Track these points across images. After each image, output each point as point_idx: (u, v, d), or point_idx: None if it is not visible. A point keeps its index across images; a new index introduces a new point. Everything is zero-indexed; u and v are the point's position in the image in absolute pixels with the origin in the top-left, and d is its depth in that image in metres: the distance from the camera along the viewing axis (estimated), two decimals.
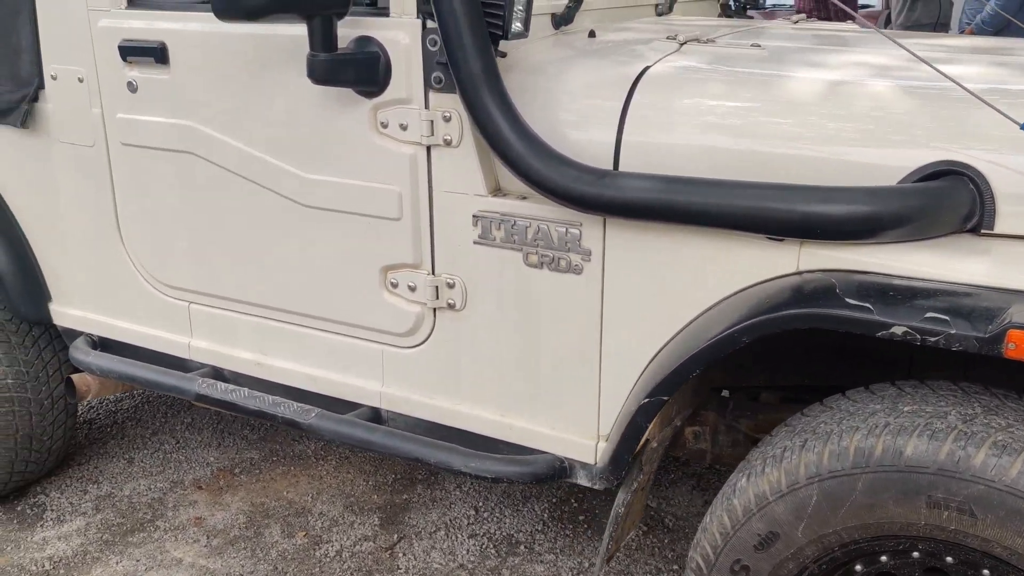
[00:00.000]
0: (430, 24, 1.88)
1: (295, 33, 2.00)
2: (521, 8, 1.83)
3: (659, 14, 2.77)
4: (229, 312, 2.37)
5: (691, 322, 1.76)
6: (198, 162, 2.25)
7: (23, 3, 2.37)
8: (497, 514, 2.92)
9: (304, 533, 2.84)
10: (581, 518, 2.91)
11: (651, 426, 1.78)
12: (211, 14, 2.11)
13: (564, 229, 1.86)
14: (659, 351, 1.82)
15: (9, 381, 2.73)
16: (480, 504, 2.97)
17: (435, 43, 1.87)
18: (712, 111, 1.76)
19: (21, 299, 2.66)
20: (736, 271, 1.70)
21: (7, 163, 2.60)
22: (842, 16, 6.03)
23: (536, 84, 1.90)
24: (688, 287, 1.76)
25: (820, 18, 6.06)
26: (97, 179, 2.45)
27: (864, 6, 10.05)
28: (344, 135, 2.03)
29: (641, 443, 1.80)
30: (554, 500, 2.98)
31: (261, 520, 2.91)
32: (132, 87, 2.28)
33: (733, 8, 3.28)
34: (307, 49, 1.90)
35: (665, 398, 1.70)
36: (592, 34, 2.19)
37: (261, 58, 2.08)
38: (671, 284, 1.78)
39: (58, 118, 2.44)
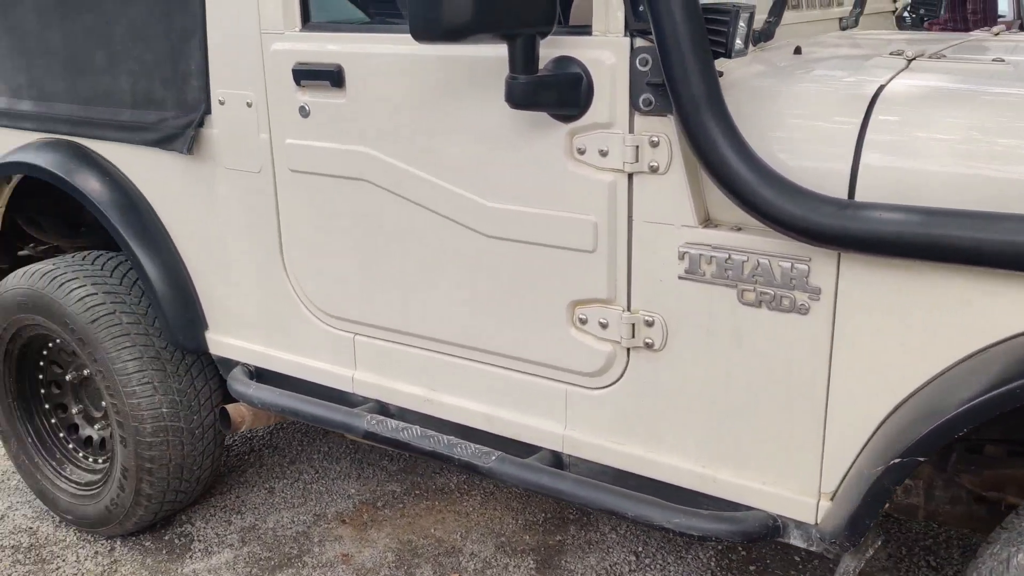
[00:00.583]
0: (639, 43, 1.74)
1: (486, 54, 1.89)
2: (744, 24, 1.67)
3: (843, 28, 2.58)
4: (397, 345, 2.26)
5: (946, 371, 1.56)
6: (371, 189, 2.16)
7: (194, 28, 2.32)
8: (660, 561, 2.74)
9: (457, 575, 2.71)
10: (752, 568, 2.71)
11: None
12: (392, 35, 2.04)
13: (789, 264, 1.69)
14: (901, 403, 1.63)
15: (164, 410, 2.68)
16: (640, 549, 2.80)
17: (646, 63, 1.73)
18: (969, 135, 1.57)
19: (178, 327, 2.61)
20: (1006, 314, 1.50)
21: (168, 189, 2.56)
22: (979, 25, 5.73)
23: (748, 105, 1.74)
24: (942, 332, 1.57)
25: (957, 28, 5.77)
26: (262, 205, 2.38)
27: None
28: (534, 162, 1.90)
29: (886, 507, 1.61)
30: (720, 547, 2.79)
31: (411, 559, 2.79)
32: (304, 112, 2.20)
33: (908, 21, 3.07)
34: (499, 71, 1.78)
35: (921, 459, 1.51)
36: (798, 50, 2.02)
37: (445, 81, 1.97)
38: (920, 328, 1.59)
39: (224, 144, 2.39)
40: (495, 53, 1.87)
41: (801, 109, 1.73)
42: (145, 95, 2.48)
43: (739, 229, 1.75)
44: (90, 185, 2.62)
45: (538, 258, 1.96)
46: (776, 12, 2.07)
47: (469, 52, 1.92)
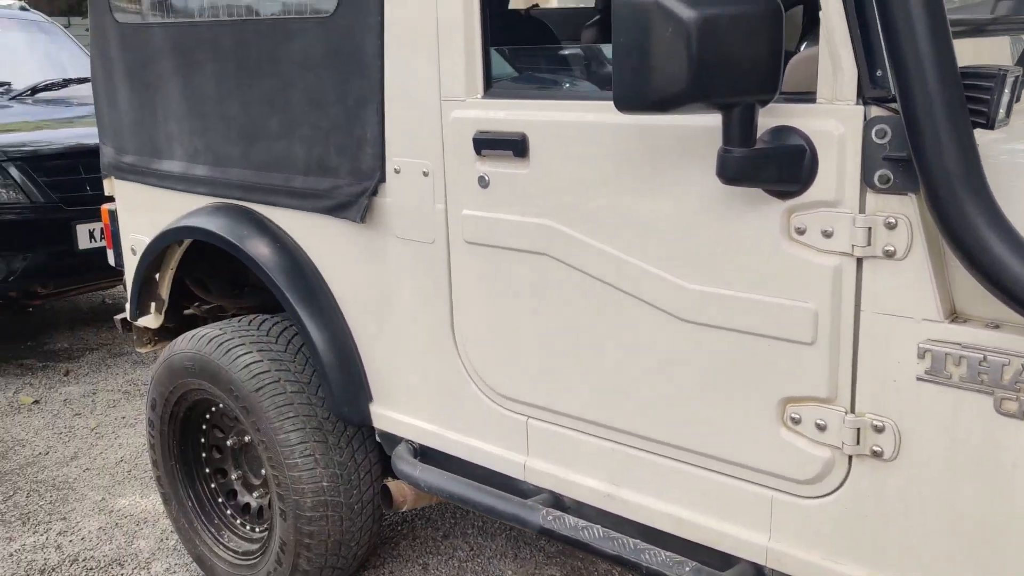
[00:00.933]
0: (875, 111, 1.53)
1: (690, 123, 1.72)
2: (1008, 91, 1.44)
3: None
4: (576, 433, 2.09)
5: None
6: (554, 265, 2.01)
7: (371, 95, 2.25)
8: None
9: None
10: None
11: None
12: (582, 102, 1.90)
13: None
14: None
15: (324, 484, 2.59)
16: None
17: (884, 134, 1.51)
18: None
19: (343, 398, 2.52)
20: None
21: (338, 256, 2.49)
22: None
23: (1005, 182, 1.50)
24: None
25: None
26: (434, 277, 2.27)
27: None
28: (745, 241, 1.71)
29: None
30: None
31: None
32: (483, 182, 2.08)
33: None
34: (705, 140, 1.60)
35: None
36: None
37: (642, 151, 1.81)
38: None
39: (397, 213, 2.30)
40: (702, 121, 1.70)
41: None
42: (319, 162, 2.43)
43: (997, 326, 1.50)
44: (259, 250, 2.59)
45: (745, 348, 1.75)
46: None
47: (671, 120, 1.75)
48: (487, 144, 2.05)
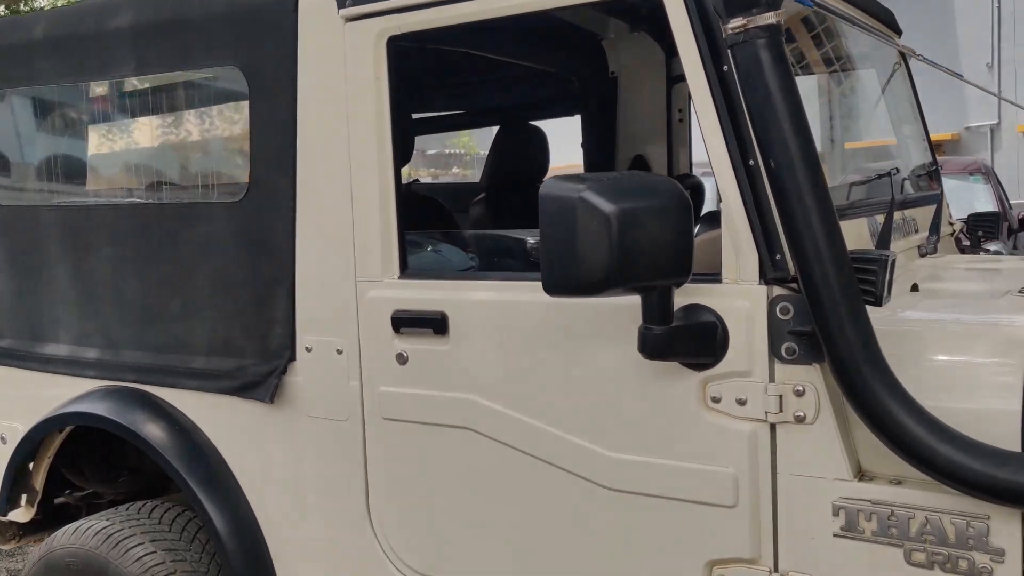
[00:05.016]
0: (777, 291, 1.70)
1: (608, 301, 1.84)
2: (889, 271, 1.65)
3: (922, 255, 2.59)
4: None
5: None
6: (476, 439, 2.05)
7: (282, 277, 2.29)
8: None
9: None
10: None
11: None
12: (500, 282, 2.00)
13: (964, 523, 1.57)
14: None
15: None
16: None
17: (787, 311, 1.68)
18: None
19: None
20: None
21: (241, 437, 2.44)
22: None
23: (893, 349, 1.69)
24: None
25: None
26: (349, 455, 2.25)
27: None
28: (664, 411, 1.82)
29: None
30: None
31: None
32: (402, 359, 2.13)
33: (967, 243, 3.11)
34: (621, 317, 1.73)
35: None
36: (915, 288, 2.00)
37: (562, 328, 1.92)
38: None
39: (308, 391, 2.29)
40: (619, 300, 1.83)
41: (950, 355, 1.67)
42: (224, 342, 2.41)
43: (899, 482, 1.64)
44: (155, 434, 2.50)
45: (669, 513, 1.83)
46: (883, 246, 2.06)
47: (590, 299, 1.87)
48: (406, 322, 2.11)
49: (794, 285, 1.68)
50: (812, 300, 1.59)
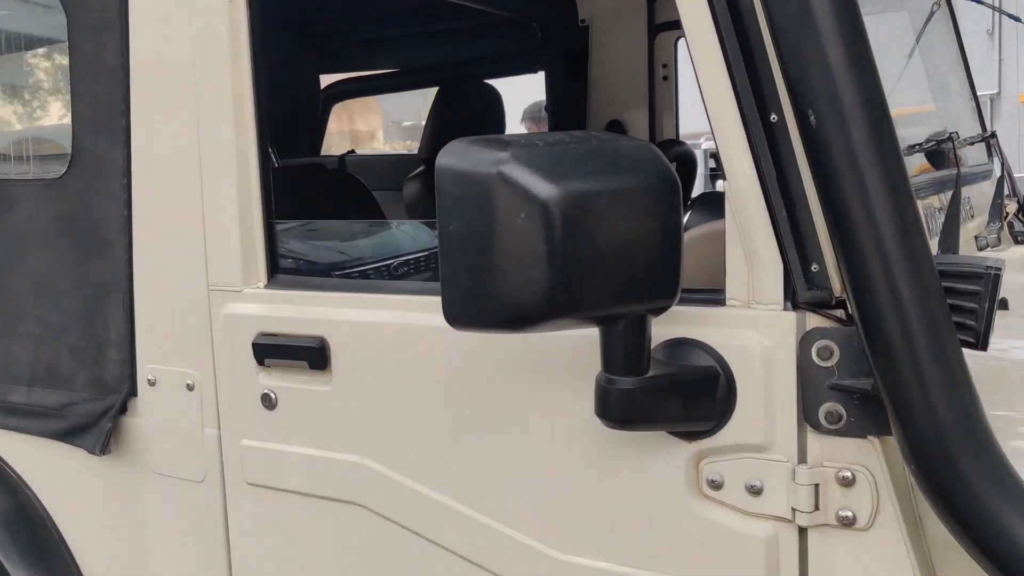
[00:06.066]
0: (815, 321, 1.08)
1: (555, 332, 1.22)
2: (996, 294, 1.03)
3: (980, 248, 1.99)
4: None
5: None
6: (368, 518, 1.43)
7: (115, 282, 1.66)
8: None
9: None
10: None
11: None
12: (404, 296, 1.39)
13: None
14: None
15: None
16: None
17: (829, 354, 1.06)
18: None
19: None
20: None
21: (72, 495, 1.82)
22: None
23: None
24: None
25: None
26: (206, 527, 1.64)
27: None
28: (633, 496, 1.20)
29: None
30: None
31: None
32: (269, 401, 1.51)
33: (1020, 228, 2.52)
34: (587, 352, 1.12)
35: None
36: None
37: (490, 368, 1.30)
38: None
39: (153, 439, 1.67)
40: (572, 332, 1.20)
41: None
42: (48, 370, 1.78)
43: None
44: None
45: None
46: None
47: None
48: (273, 351, 1.49)
49: (841, 313, 1.06)
50: (873, 337, 0.97)
